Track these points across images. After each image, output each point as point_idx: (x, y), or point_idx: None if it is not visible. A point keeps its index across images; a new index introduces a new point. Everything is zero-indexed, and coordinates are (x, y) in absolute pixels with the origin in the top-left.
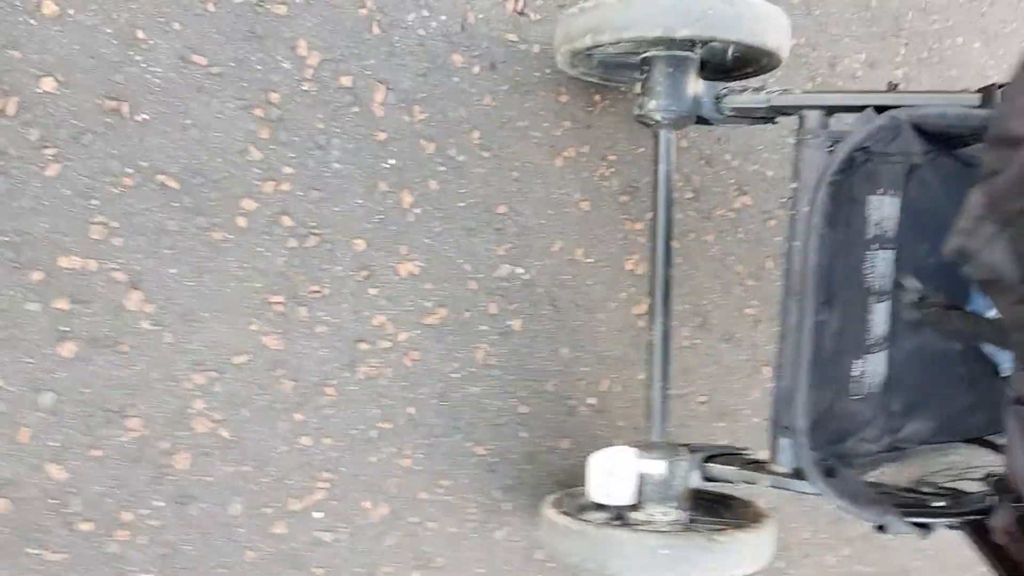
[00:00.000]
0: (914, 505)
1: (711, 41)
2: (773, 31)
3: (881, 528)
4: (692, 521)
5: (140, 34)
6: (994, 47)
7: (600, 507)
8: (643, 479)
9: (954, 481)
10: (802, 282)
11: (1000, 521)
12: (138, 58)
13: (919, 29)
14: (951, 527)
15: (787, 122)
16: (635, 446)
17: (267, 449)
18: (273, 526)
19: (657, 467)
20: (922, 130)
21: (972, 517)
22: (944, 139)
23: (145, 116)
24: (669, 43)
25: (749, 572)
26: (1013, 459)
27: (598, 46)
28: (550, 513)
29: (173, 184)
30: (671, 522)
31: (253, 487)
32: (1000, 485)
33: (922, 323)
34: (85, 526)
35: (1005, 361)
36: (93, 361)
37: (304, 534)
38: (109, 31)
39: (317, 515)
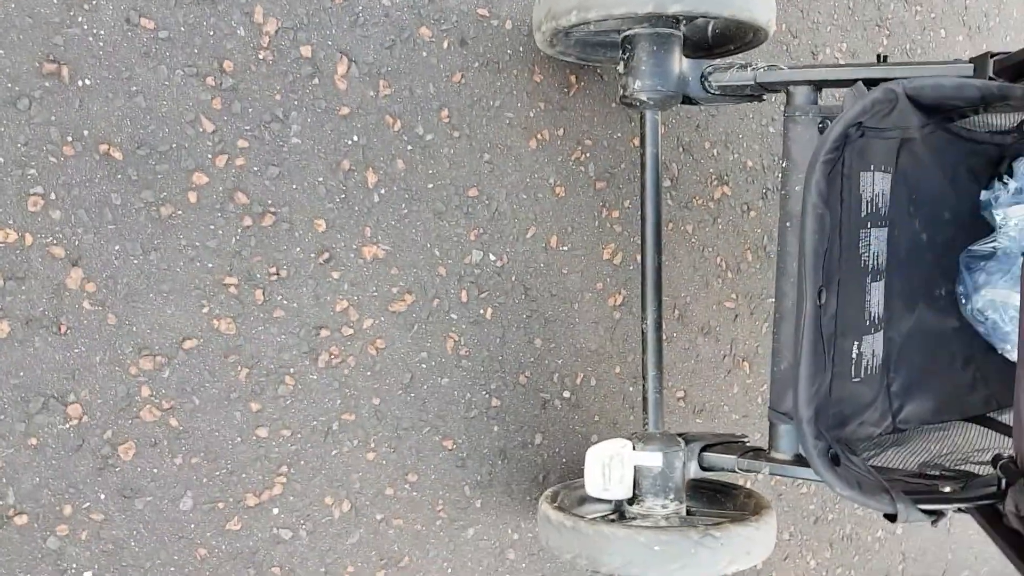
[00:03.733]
0: (923, 491)
1: (699, 17)
2: (762, 6)
3: (890, 517)
4: (690, 513)
5: None
6: (977, 41)
7: (597, 500)
8: (639, 472)
9: (962, 464)
10: (800, 265)
11: (1012, 505)
12: (80, 19)
13: (902, 19)
14: (962, 510)
15: (769, 110)
16: (631, 438)
17: (220, 440)
18: (227, 522)
19: (654, 459)
20: (918, 103)
21: (983, 501)
22: (941, 111)
23: (87, 81)
24: (654, 20)
25: (745, 567)
26: (1021, 437)
27: (584, 23)
28: (545, 507)
29: (117, 155)
30: (668, 515)
31: (205, 480)
32: (1008, 468)
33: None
34: (20, 519)
35: (1006, 341)
36: (30, 342)
37: (261, 531)
38: None
39: (275, 511)
